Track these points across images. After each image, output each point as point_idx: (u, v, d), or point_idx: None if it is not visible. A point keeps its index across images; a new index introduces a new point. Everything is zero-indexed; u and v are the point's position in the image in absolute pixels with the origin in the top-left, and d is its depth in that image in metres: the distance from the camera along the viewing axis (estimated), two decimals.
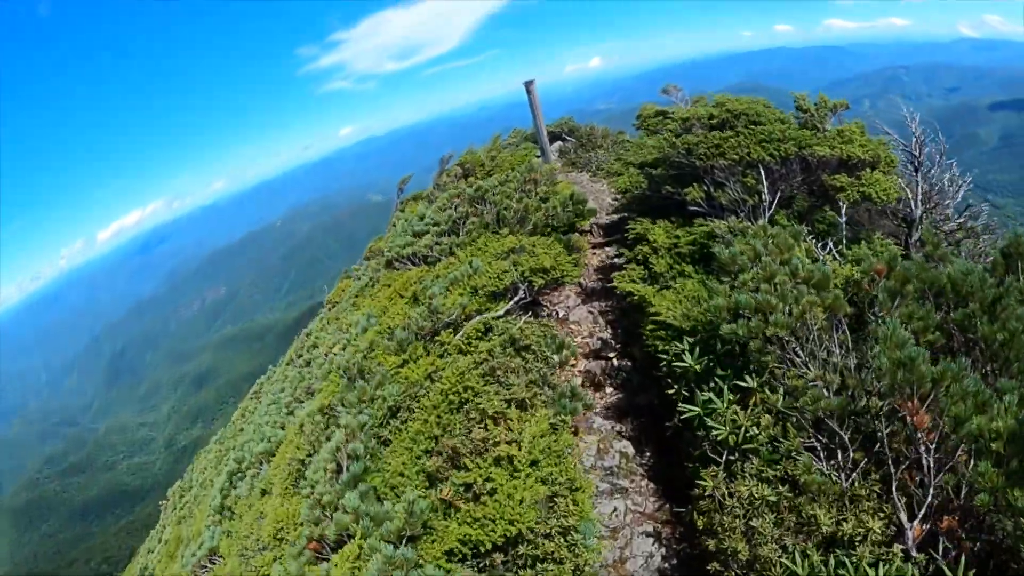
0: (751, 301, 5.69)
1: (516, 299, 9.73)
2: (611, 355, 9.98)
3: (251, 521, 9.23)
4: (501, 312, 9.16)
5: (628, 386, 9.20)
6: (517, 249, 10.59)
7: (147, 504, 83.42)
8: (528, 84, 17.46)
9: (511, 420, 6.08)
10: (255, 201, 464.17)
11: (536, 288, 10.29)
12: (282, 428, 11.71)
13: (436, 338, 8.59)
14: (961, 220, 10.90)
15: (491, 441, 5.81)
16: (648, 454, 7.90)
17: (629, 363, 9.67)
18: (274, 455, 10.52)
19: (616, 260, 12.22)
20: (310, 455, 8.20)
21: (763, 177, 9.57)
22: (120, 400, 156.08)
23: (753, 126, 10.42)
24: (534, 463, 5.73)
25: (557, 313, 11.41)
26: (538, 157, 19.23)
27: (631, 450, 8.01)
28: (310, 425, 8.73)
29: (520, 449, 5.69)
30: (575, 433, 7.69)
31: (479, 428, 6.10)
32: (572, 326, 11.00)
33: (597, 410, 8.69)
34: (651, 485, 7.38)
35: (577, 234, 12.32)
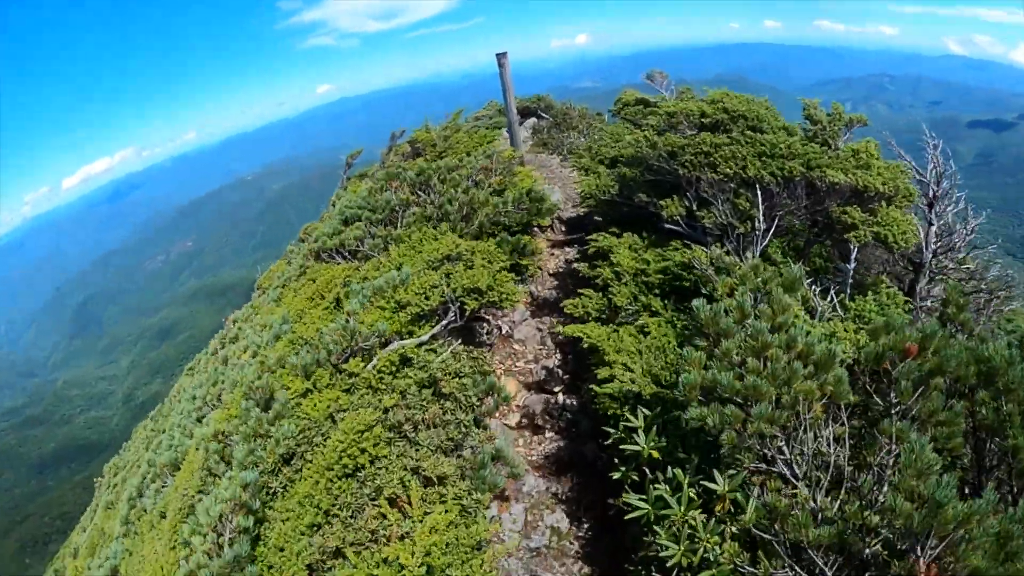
0: (734, 384, 4.44)
1: (445, 322, 8.43)
2: (556, 389, 8.69)
3: (140, 560, 8.39)
4: (425, 338, 7.93)
5: (572, 431, 7.92)
6: (453, 256, 9.09)
7: (104, 458, 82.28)
8: (500, 57, 15.91)
9: (410, 503, 4.88)
10: (227, 155, 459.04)
11: (468, 312, 8.69)
12: (190, 436, 10.76)
13: (346, 365, 7.37)
14: (971, 268, 9.30)
15: (381, 533, 4.63)
16: (587, 526, 6.63)
17: (576, 402, 8.35)
18: (179, 468, 9.74)
19: (576, 265, 10.57)
20: (202, 490, 7.28)
21: (759, 199, 7.90)
22: (81, 353, 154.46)
23: (752, 133, 8.64)
24: (429, 571, 4.53)
25: (500, 329, 10.04)
26: (504, 138, 17.45)
27: (565, 523, 6.78)
28: (203, 454, 7.84)
29: (414, 550, 4.50)
30: (502, 497, 6.45)
31: (372, 508, 4.92)
32: (516, 346, 9.74)
33: (532, 458, 7.46)
34: (584, 571, 6.13)
35: (531, 234, 11.04)
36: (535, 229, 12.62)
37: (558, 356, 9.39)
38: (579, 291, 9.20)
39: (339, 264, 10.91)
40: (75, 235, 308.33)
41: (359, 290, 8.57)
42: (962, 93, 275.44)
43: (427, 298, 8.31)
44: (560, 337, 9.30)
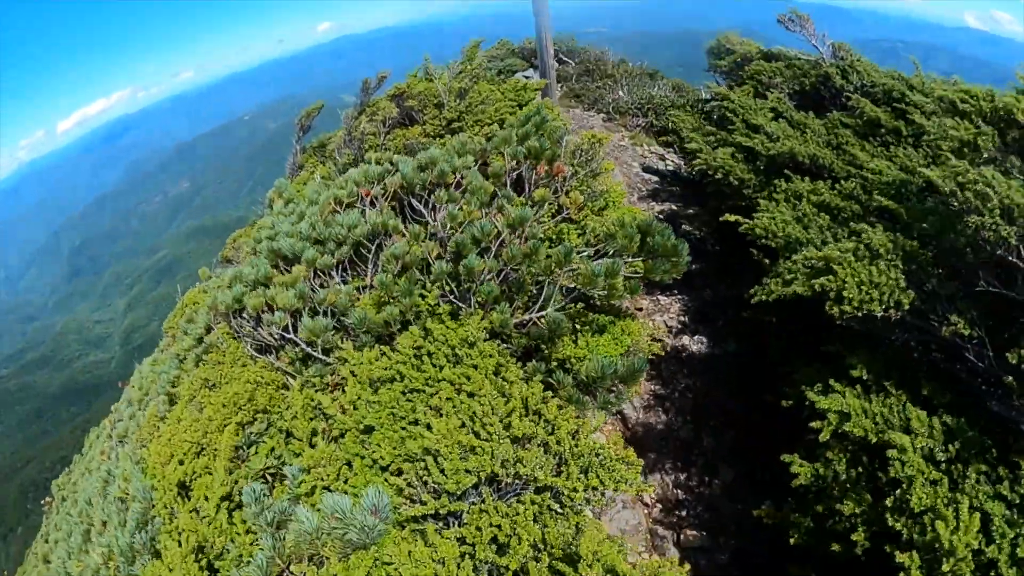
0: None
1: None
2: None
3: None
4: None
5: None
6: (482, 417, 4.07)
7: (102, 401, 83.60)
8: None
9: None
10: (224, 94, 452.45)
11: None
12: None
13: None
14: None
15: None
16: None
17: None
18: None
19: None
20: None
21: None
22: (79, 295, 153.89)
23: None
24: None
25: None
26: (539, 89, 10.60)
27: None
28: None
29: None
30: None
31: None
32: None
33: None
34: None
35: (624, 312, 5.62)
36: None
37: None
38: None
39: (257, 362, 5.66)
40: (71, 178, 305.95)
41: (292, 463, 4.53)
42: (975, 67, 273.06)
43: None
44: None
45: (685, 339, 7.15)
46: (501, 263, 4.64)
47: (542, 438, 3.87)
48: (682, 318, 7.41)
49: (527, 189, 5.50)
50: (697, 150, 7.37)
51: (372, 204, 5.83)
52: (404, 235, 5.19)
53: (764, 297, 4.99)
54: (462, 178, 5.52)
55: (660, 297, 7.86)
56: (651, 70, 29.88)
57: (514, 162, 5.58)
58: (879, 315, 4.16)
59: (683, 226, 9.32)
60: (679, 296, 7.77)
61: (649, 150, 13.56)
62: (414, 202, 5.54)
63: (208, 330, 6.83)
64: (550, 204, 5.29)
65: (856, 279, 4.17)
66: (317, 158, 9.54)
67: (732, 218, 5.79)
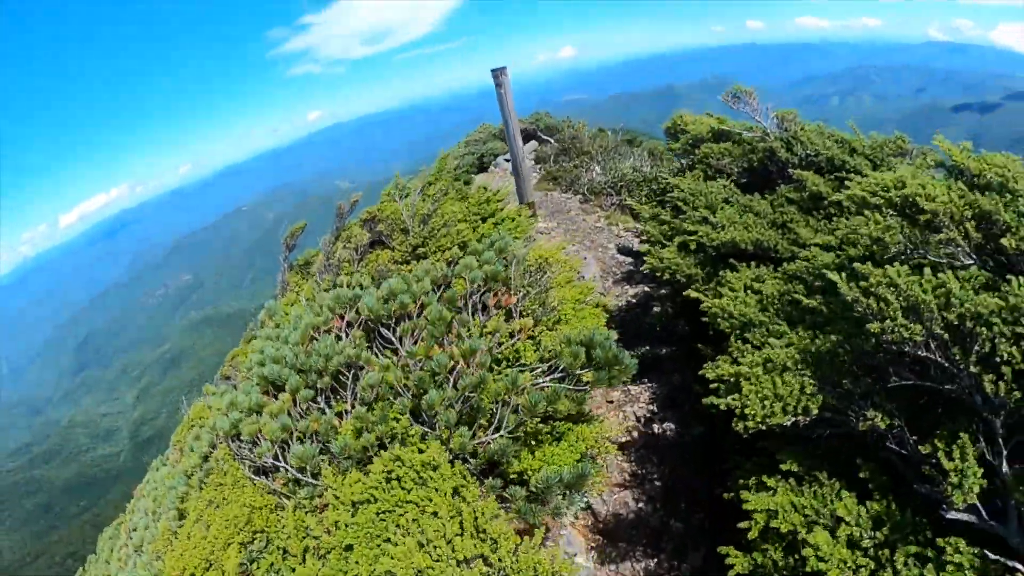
0: None
1: None
2: None
3: None
4: None
5: None
6: None
7: (112, 495, 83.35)
8: (498, 73, 12.73)
9: None
10: (222, 186, 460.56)
11: None
12: None
13: None
14: None
15: None
16: None
17: None
18: None
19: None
20: None
21: None
22: (85, 389, 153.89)
23: None
24: None
25: None
26: (502, 200, 10.67)
27: None
28: None
29: None
30: None
31: None
32: None
33: None
34: None
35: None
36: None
37: None
38: None
39: (255, 484, 5.90)
40: (74, 272, 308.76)
41: None
42: (946, 78, 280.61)
43: None
44: None
45: (655, 427, 7.49)
46: (459, 391, 5.03)
47: (487, 556, 4.22)
48: (651, 406, 7.74)
49: (487, 310, 5.94)
50: (645, 253, 7.78)
51: (348, 328, 6.32)
52: (375, 367, 5.56)
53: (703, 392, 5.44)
54: (423, 306, 5.96)
55: (631, 387, 8.21)
56: (630, 135, 30.20)
57: (475, 285, 6.02)
58: (787, 424, 4.48)
59: (655, 308, 9.66)
60: (649, 384, 8.12)
61: (623, 228, 13.98)
62: (383, 330, 6.09)
63: (212, 446, 7.31)
64: (503, 331, 5.67)
65: (759, 394, 4.49)
66: (302, 275, 10.00)
67: (694, 294, 6.22)
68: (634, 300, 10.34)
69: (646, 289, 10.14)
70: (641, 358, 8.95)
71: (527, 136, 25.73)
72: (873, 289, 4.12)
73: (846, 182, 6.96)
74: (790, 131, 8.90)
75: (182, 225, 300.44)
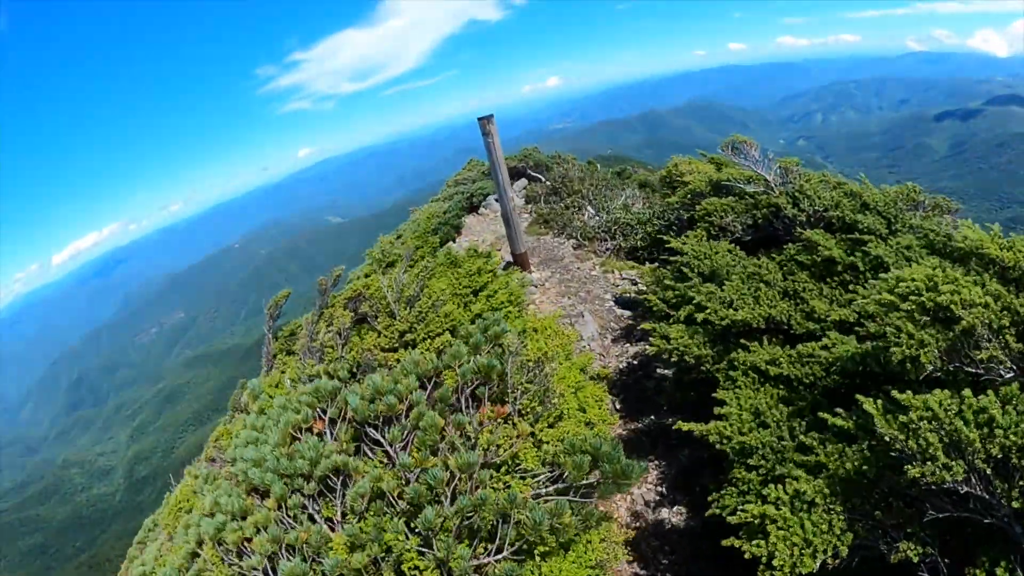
0: None
1: None
2: None
3: None
4: None
5: None
6: None
7: (108, 535, 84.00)
8: (485, 122, 12.16)
9: None
10: (213, 223, 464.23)
11: None
12: None
13: None
14: None
15: None
16: None
17: None
18: None
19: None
20: None
21: None
22: (80, 427, 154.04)
23: None
24: None
25: None
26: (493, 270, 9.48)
27: None
28: None
29: None
30: None
31: None
32: None
33: None
34: None
35: None
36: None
37: None
38: None
39: None
40: (67, 310, 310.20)
41: None
42: (927, 88, 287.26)
43: None
44: None
45: (664, 512, 6.99)
46: (458, 511, 4.55)
47: None
48: (660, 488, 7.26)
49: (482, 404, 5.48)
50: (651, 330, 7.34)
51: (332, 424, 5.78)
52: (365, 473, 5.06)
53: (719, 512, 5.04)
54: (411, 406, 5.45)
55: None
56: (619, 167, 29.99)
57: (467, 379, 5.56)
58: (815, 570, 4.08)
59: (657, 370, 9.25)
60: (657, 462, 7.65)
61: (621, 276, 13.53)
62: (370, 431, 5.49)
63: (199, 543, 6.79)
64: (501, 438, 5.16)
65: (788, 541, 4.08)
66: (288, 346, 9.33)
67: (686, 427, 5.74)
68: (635, 361, 9.83)
69: (647, 347, 9.68)
70: (646, 429, 8.55)
71: (517, 174, 25.74)
72: (913, 425, 3.74)
73: (862, 246, 6.55)
74: (795, 184, 8.47)
75: (174, 262, 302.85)
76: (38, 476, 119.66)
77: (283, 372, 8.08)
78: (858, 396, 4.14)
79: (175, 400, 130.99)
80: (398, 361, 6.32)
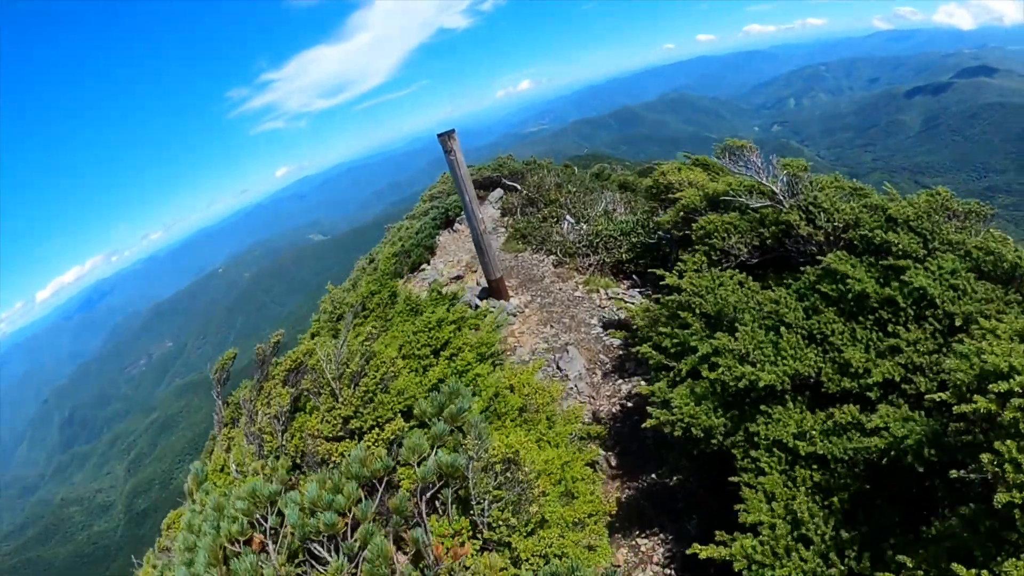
0: None
1: None
2: None
3: None
4: None
5: None
6: None
7: (111, 572, 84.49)
8: (445, 139, 11.27)
9: None
10: (195, 250, 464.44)
11: None
12: None
13: None
14: None
15: None
16: None
17: None
18: None
19: None
20: None
21: None
22: (76, 464, 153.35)
23: None
24: None
25: None
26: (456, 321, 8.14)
27: None
28: None
29: None
30: None
31: None
32: None
33: None
34: None
35: None
36: None
37: None
38: None
39: None
40: (54, 347, 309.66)
41: None
42: (896, 65, 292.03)
43: None
44: None
45: None
46: None
47: None
48: (668, 571, 6.08)
49: (447, 509, 4.35)
50: (649, 394, 6.12)
51: (273, 534, 4.62)
52: None
53: None
54: (357, 522, 4.29)
55: (639, 541, 6.49)
56: (598, 168, 29.28)
57: (427, 481, 4.42)
58: None
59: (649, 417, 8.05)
60: (661, 536, 6.45)
61: (607, 295, 12.43)
62: (315, 547, 4.34)
63: None
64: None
65: None
66: (237, 416, 8.00)
67: (705, 554, 4.48)
68: (630, 404, 8.65)
69: (642, 383, 8.49)
70: (647, 490, 7.30)
71: (492, 184, 24.79)
72: None
73: (898, 274, 5.36)
74: (806, 195, 7.14)
75: (159, 292, 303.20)
76: (37, 516, 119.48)
77: (228, 451, 6.92)
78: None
79: (169, 430, 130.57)
80: (342, 455, 5.14)
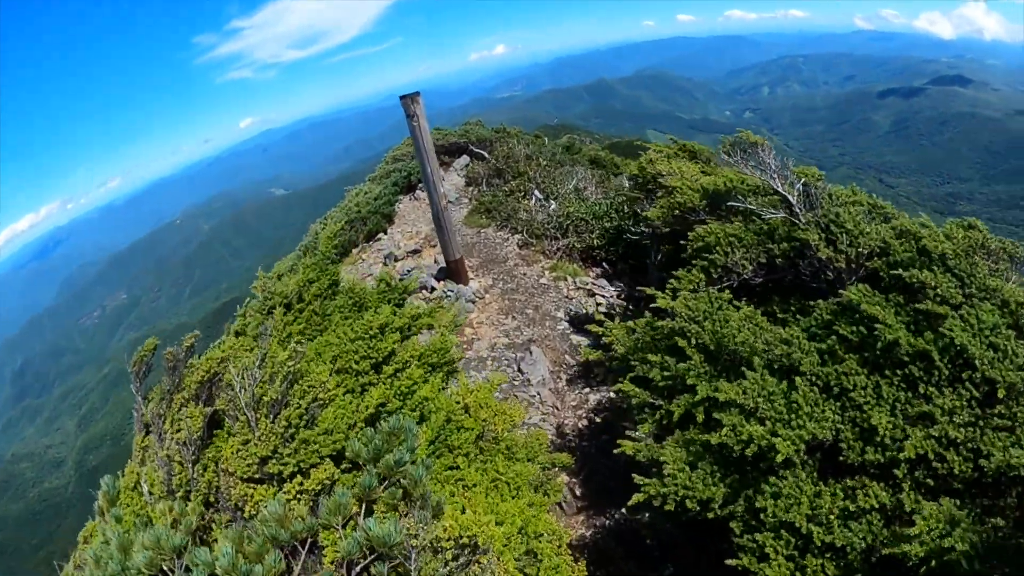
0: None
1: None
2: None
3: None
4: None
5: None
6: None
7: (63, 529, 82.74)
8: (408, 102, 10.26)
9: None
10: (154, 200, 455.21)
11: None
12: None
13: None
14: None
15: None
16: None
17: None
18: None
19: None
20: None
21: None
22: (27, 419, 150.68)
23: None
24: None
25: None
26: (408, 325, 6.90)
27: None
28: None
29: None
30: None
31: None
32: None
33: None
34: None
35: None
36: None
37: None
38: None
39: None
40: (5, 297, 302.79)
41: None
42: (873, 65, 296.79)
43: None
44: None
45: None
46: None
47: None
48: None
49: None
50: (629, 453, 5.13)
51: None
52: None
53: None
54: None
55: None
56: (569, 140, 28.65)
57: (355, 556, 3.49)
58: None
59: (625, 433, 7.04)
60: None
61: (575, 284, 11.54)
62: None
63: None
64: None
65: None
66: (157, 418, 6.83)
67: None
68: (598, 418, 7.71)
69: (611, 395, 7.57)
70: (615, 527, 6.34)
71: (459, 150, 23.92)
72: None
73: (935, 322, 4.39)
74: (825, 210, 6.02)
75: (115, 241, 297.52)
76: None
77: (143, 463, 5.92)
78: None
79: (121, 384, 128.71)
80: (258, 505, 4.16)
